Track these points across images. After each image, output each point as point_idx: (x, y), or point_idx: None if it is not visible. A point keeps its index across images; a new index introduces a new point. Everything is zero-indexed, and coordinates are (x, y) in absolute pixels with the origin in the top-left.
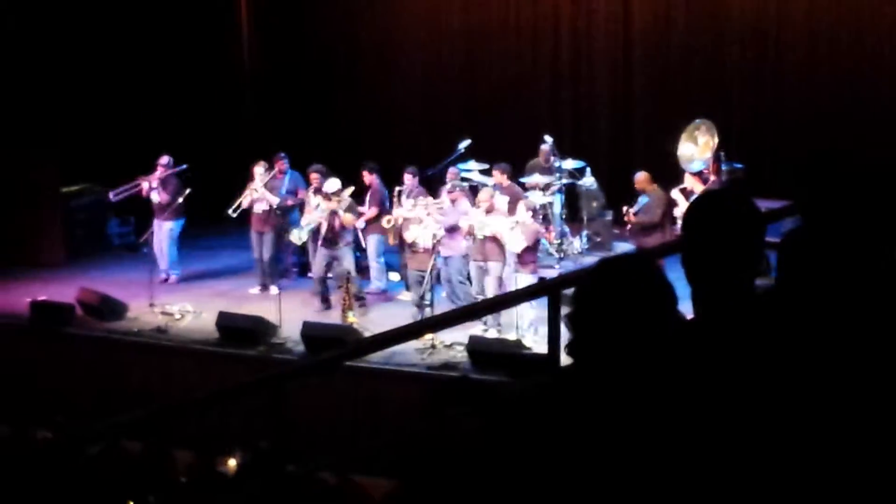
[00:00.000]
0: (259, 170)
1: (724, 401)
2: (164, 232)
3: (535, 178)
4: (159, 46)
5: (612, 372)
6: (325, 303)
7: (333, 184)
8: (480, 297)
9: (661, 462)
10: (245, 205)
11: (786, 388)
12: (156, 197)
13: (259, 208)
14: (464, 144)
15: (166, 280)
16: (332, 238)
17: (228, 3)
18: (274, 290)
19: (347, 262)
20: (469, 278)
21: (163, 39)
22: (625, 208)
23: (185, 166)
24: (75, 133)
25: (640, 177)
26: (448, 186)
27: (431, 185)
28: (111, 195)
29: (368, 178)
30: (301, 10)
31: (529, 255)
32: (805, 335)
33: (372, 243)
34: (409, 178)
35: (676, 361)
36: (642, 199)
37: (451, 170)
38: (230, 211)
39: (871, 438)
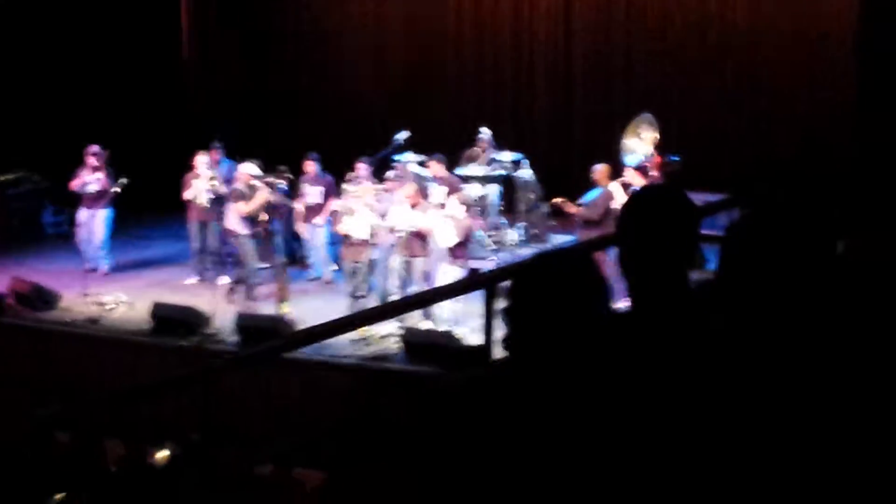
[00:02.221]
0: (202, 159)
1: (659, 394)
2: (99, 221)
3: (472, 170)
4: (95, 33)
5: (548, 366)
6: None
7: (252, 167)
8: (398, 293)
9: (595, 455)
10: (204, 201)
11: (720, 381)
12: (95, 186)
13: (204, 198)
14: (401, 136)
15: (95, 270)
16: (268, 227)
17: None
18: (224, 279)
19: (279, 251)
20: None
21: (99, 26)
22: (558, 200)
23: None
24: (10, 121)
25: (600, 169)
26: (391, 174)
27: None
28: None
29: (313, 167)
30: (242, 2)
31: (461, 249)
32: (745, 328)
33: (322, 233)
34: (362, 169)
35: (612, 355)
36: (591, 193)
37: (399, 164)
38: (204, 204)
39: (801, 431)
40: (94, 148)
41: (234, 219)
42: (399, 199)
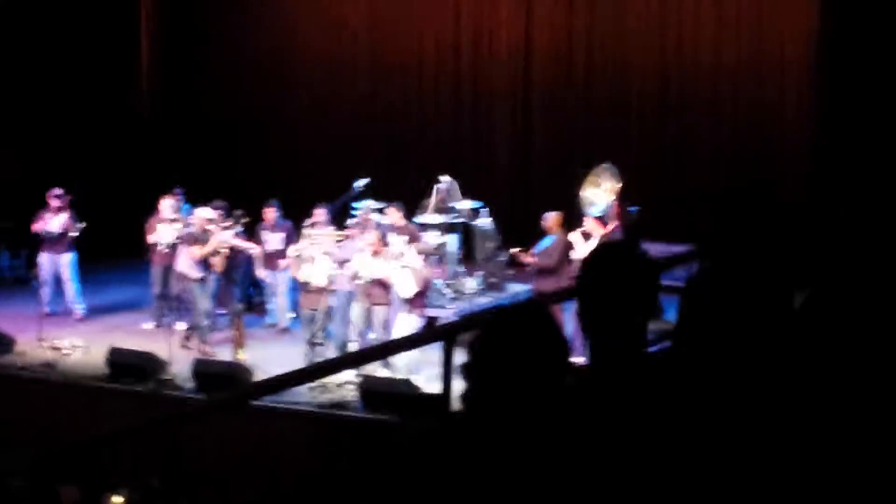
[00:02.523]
0: (167, 203)
1: (618, 454)
2: (65, 264)
3: (431, 218)
4: (51, 72)
5: (507, 424)
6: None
7: (208, 212)
8: (358, 340)
9: None
10: (167, 245)
11: (678, 441)
12: (58, 229)
13: (168, 242)
14: (361, 183)
15: (52, 314)
16: (229, 268)
17: (127, 35)
18: (182, 325)
19: (237, 297)
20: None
21: (55, 66)
22: (515, 250)
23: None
24: None
25: (551, 217)
26: (351, 221)
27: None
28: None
29: (273, 213)
30: (202, 42)
31: (419, 298)
32: (701, 386)
33: (284, 279)
34: (321, 214)
35: (570, 414)
36: (544, 241)
37: (361, 212)
38: (165, 248)
39: (759, 488)
40: (57, 191)
41: (185, 262)
42: (361, 247)
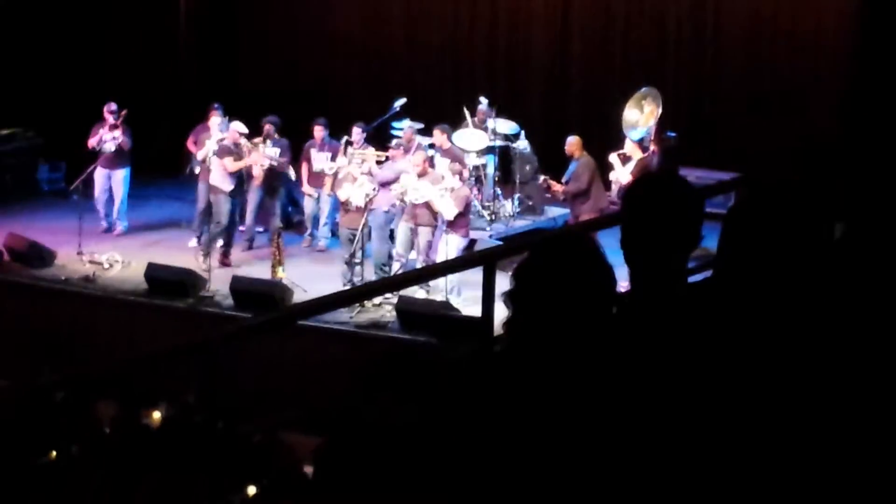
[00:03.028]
0: (216, 120)
1: (662, 383)
2: (118, 180)
3: (469, 140)
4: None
5: (553, 351)
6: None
7: (242, 126)
8: (402, 259)
9: (592, 448)
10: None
11: (721, 370)
12: (112, 146)
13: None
14: (399, 103)
15: (110, 230)
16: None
17: None
18: (219, 242)
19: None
20: (392, 236)
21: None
22: (544, 179)
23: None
24: (3, 77)
25: (572, 141)
26: (395, 142)
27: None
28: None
29: (321, 132)
30: None
31: (461, 219)
32: (742, 316)
33: (328, 198)
34: (357, 133)
35: (615, 341)
36: (571, 167)
37: (407, 130)
38: (196, 169)
39: (798, 421)
40: (112, 106)
41: (218, 175)
42: (405, 168)
